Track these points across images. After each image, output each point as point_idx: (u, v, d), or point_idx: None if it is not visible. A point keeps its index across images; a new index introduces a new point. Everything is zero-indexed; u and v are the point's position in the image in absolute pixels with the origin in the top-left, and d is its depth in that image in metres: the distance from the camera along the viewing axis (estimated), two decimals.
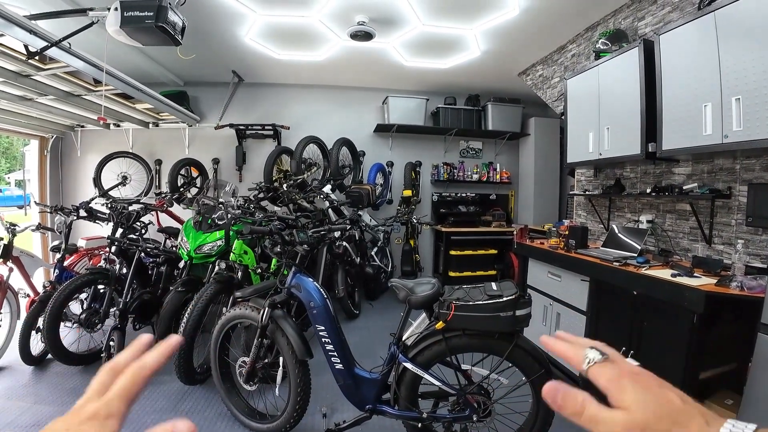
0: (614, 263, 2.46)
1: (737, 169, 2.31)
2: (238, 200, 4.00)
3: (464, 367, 1.95)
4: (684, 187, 2.51)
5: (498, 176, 5.56)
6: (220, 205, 3.21)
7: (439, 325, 1.84)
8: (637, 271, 2.29)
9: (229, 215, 2.96)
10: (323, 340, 2.10)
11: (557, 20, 3.30)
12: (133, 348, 0.40)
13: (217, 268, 3.07)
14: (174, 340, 0.43)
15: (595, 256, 2.67)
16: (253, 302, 2.26)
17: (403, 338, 2.00)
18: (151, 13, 2.14)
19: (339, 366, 2.09)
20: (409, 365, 1.89)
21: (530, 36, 3.60)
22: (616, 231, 2.95)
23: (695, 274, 2.12)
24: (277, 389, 2.20)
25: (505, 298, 1.77)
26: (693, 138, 2.19)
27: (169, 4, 2.18)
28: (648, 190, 2.77)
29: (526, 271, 3.40)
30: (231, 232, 3.05)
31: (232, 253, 3.12)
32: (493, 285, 1.93)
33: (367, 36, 3.47)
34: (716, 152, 2.24)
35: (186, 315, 2.58)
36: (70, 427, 0.32)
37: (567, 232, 3.09)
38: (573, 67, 3.58)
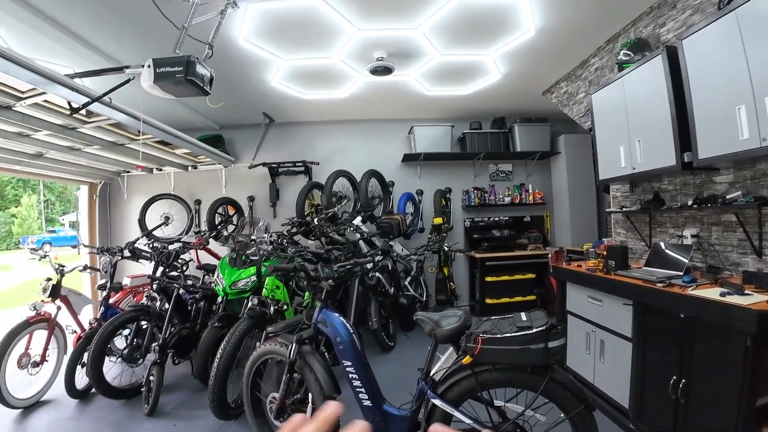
0: (658, 284, 2.28)
1: None
2: (271, 236, 4.12)
3: (498, 403, 1.85)
4: (727, 197, 2.32)
5: (531, 197, 5.41)
6: (252, 242, 3.31)
7: (466, 359, 1.76)
8: (683, 292, 2.11)
9: (260, 251, 3.05)
10: (350, 376, 2.07)
11: (575, 36, 3.26)
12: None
13: (250, 303, 3.14)
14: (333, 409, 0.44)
15: (637, 277, 2.49)
16: (282, 338, 2.27)
17: (431, 373, 1.93)
18: (181, 68, 2.31)
19: (367, 403, 2.04)
20: (438, 402, 1.82)
21: (550, 54, 3.56)
22: (659, 248, 2.75)
23: (746, 292, 1.92)
24: None
25: (534, 330, 1.68)
26: (730, 144, 2.04)
27: (197, 58, 2.36)
28: (689, 203, 2.58)
29: (564, 296, 3.23)
30: (262, 269, 3.13)
31: (264, 289, 3.19)
32: (523, 315, 1.84)
33: (386, 71, 3.57)
34: (759, 157, 2.07)
35: (219, 351, 2.64)
36: None
37: (605, 253, 2.92)
38: (597, 81, 3.48)
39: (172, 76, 2.36)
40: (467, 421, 1.78)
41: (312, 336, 2.22)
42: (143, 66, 2.40)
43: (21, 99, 2.61)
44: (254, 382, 2.42)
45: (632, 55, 2.84)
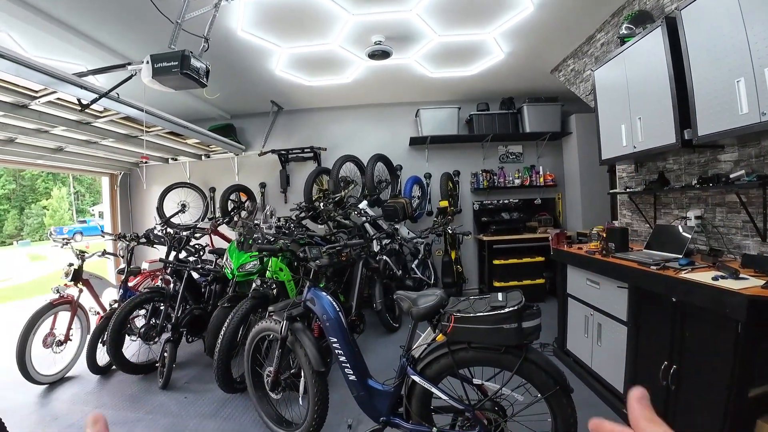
0: (652, 267, 2.23)
1: None
2: (278, 221, 4.26)
3: (477, 381, 1.89)
4: (730, 176, 2.22)
5: (541, 179, 5.29)
6: (256, 227, 3.45)
7: (440, 337, 1.81)
8: (676, 275, 2.06)
9: (256, 236, 3.19)
10: (337, 351, 2.17)
11: (579, 10, 3.13)
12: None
13: (254, 284, 3.29)
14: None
15: (633, 259, 2.44)
16: (277, 315, 2.39)
17: (411, 350, 1.99)
18: (176, 63, 2.41)
19: (352, 377, 2.13)
20: (416, 378, 1.88)
21: (553, 30, 3.44)
22: (661, 230, 2.67)
23: (742, 276, 1.85)
24: (300, 398, 2.30)
25: (507, 309, 1.69)
26: (729, 119, 1.94)
27: (191, 53, 2.45)
28: (693, 182, 2.47)
29: (565, 279, 3.20)
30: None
31: (267, 271, 3.33)
32: (499, 295, 1.86)
33: (385, 54, 3.56)
34: (762, 133, 1.95)
35: (223, 329, 2.80)
36: None
37: (605, 235, 2.86)
38: (603, 57, 3.34)
39: (169, 71, 2.47)
40: (443, 397, 1.84)
41: (303, 314, 2.33)
42: (143, 62, 2.53)
43: (35, 98, 2.81)
44: (255, 358, 2.56)
45: (634, 28, 2.71)
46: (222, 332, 2.78)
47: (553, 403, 1.72)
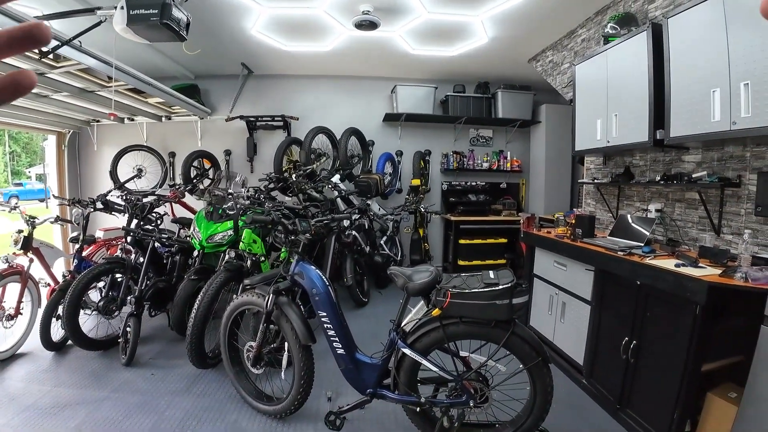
0: (619, 252, 2.43)
1: (747, 156, 2.23)
2: (248, 191, 4.08)
3: (463, 354, 1.99)
4: (693, 176, 2.45)
5: (508, 165, 5.51)
6: (230, 196, 3.29)
7: (436, 312, 1.87)
8: (641, 261, 2.26)
9: (237, 206, 3.04)
10: (326, 326, 2.16)
11: (566, 4, 3.22)
12: None
13: (227, 257, 3.16)
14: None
15: (601, 245, 2.64)
16: (260, 289, 2.33)
17: (402, 324, 2.04)
18: (156, 11, 2.19)
19: (340, 351, 2.14)
20: (407, 351, 1.93)
21: (539, 21, 3.52)
22: (624, 220, 2.90)
23: (700, 265, 2.08)
24: (282, 373, 2.28)
25: (501, 286, 1.79)
26: (701, 125, 2.13)
27: (173, 1, 2.23)
28: (657, 179, 2.71)
29: (532, 260, 3.39)
30: (239, 222, 3.14)
31: (241, 242, 3.21)
32: (491, 273, 1.96)
33: (372, 25, 3.46)
34: (726, 139, 2.17)
35: (197, 302, 2.68)
36: None
37: (574, 221, 3.06)
38: (583, 53, 3.49)
39: (146, 19, 2.24)
40: (434, 369, 1.92)
41: (288, 288, 2.28)
42: (116, 7, 2.25)
43: None
44: (231, 332, 2.49)
45: (618, 29, 2.84)
46: (196, 305, 2.66)
47: (534, 373, 1.86)
